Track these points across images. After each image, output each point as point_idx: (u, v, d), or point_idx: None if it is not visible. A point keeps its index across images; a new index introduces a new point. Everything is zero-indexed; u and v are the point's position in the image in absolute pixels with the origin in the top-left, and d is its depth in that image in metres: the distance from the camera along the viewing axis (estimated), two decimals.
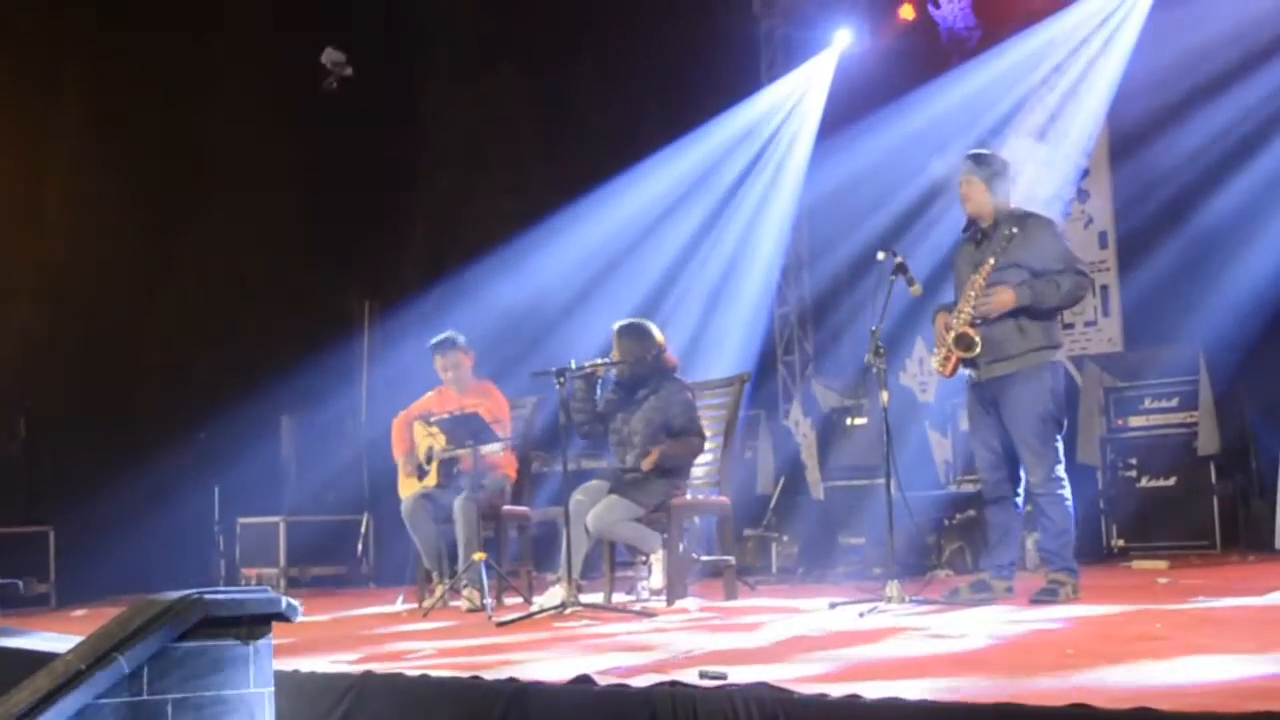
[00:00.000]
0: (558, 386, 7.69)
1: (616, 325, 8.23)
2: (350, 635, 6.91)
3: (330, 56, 12.17)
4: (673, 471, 7.97)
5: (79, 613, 9.81)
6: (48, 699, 3.69)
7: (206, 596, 4.06)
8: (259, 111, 13.02)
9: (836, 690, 3.58)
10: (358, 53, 12.79)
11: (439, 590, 8.39)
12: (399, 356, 12.03)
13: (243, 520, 12.08)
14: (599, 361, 7.96)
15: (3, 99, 11.67)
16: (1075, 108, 11.91)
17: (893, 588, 6.77)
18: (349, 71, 12.22)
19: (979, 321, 6.81)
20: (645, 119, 13.08)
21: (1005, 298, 6.77)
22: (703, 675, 3.98)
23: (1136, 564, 9.62)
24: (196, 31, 12.65)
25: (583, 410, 8.04)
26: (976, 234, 7.05)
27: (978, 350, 6.80)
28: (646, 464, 7.83)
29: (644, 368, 8.02)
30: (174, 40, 12.47)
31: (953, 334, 6.87)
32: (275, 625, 4.21)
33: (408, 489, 8.86)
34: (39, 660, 4.33)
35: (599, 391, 8.13)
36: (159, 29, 12.35)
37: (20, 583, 9.49)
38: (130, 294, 12.42)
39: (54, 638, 4.91)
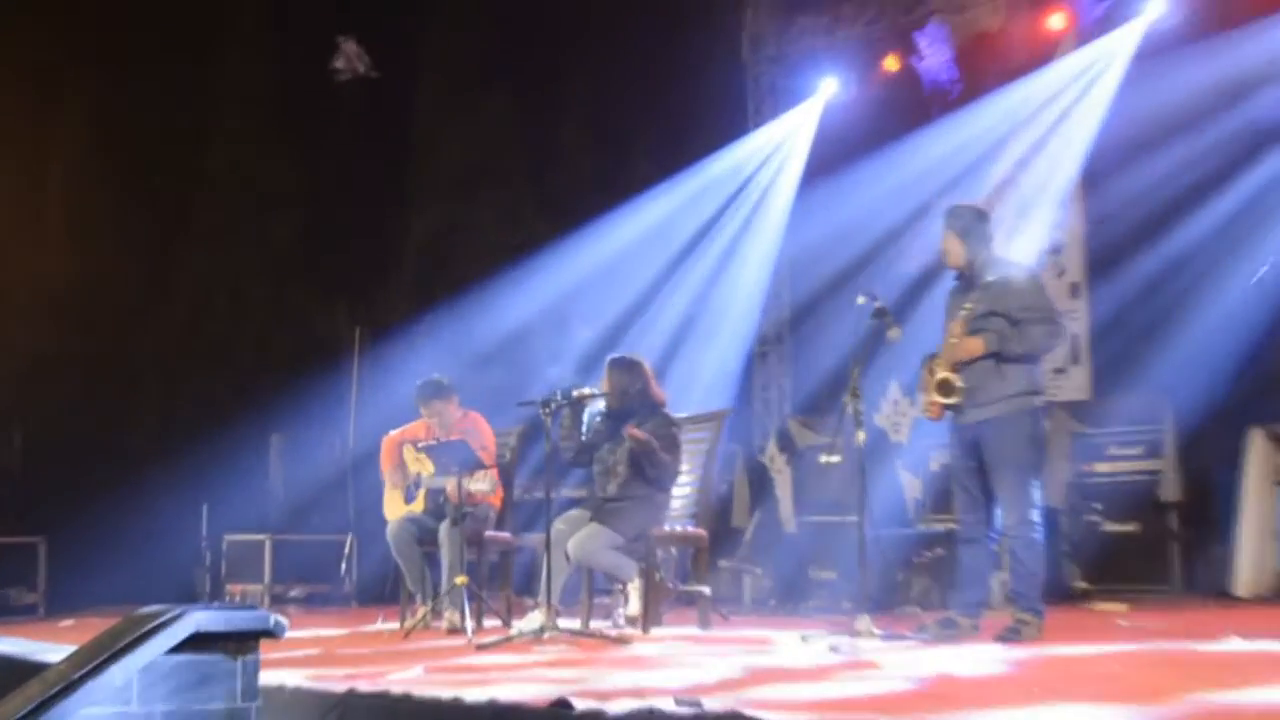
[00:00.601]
0: (543, 416, 7.72)
1: (609, 358, 8.29)
2: (334, 653, 6.90)
3: (348, 48, 12.14)
4: (652, 500, 8.00)
5: (67, 623, 9.78)
6: (40, 707, 3.68)
7: (197, 612, 4.05)
8: (258, 137, 13.09)
9: None
10: (354, 86, 12.86)
11: (421, 612, 8.39)
12: (388, 381, 12.06)
13: (229, 537, 12.03)
14: (585, 391, 8.00)
15: (8, 120, 11.67)
16: (1052, 162, 12.01)
17: (863, 622, 6.78)
18: (365, 65, 12.18)
19: (960, 368, 6.86)
20: (634, 158, 13.14)
21: (974, 345, 6.82)
22: (678, 702, 3.98)
23: (1097, 606, 9.64)
24: (198, 55, 12.69)
25: (569, 438, 8.09)
26: (962, 283, 7.09)
27: (957, 396, 6.84)
28: (632, 431, 7.87)
29: (631, 400, 8.06)
30: (176, 66, 12.50)
31: (935, 378, 6.92)
32: (262, 641, 4.20)
33: (394, 511, 8.86)
34: (31, 670, 4.32)
35: (585, 421, 8.16)
36: (161, 55, 12.37)
37: (10, 593, 9.50)
38: (127, 312, 12.45)
39: (46, 647, 4.89)
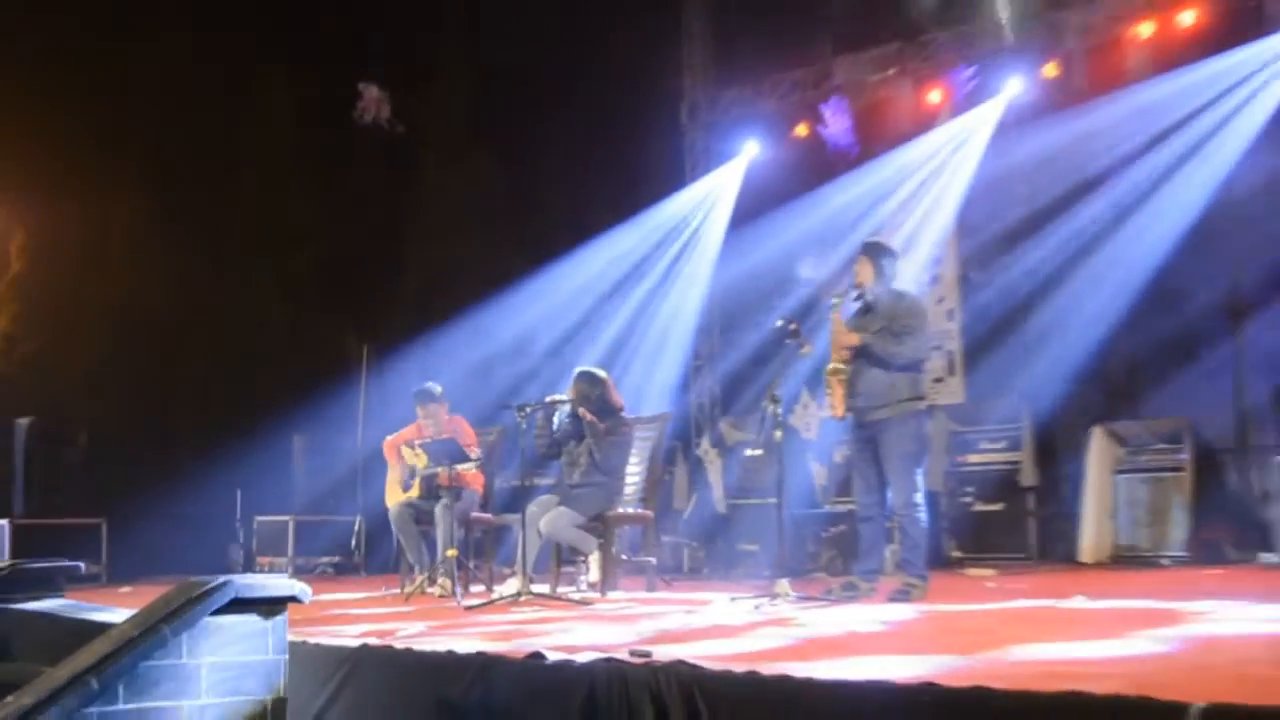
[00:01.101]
0: (518, 418, 7.73)
1: (576, 370, 8.31)
2: (348, 615, 6.86)
3: (369, 93, 12.00)
4: (608, 487, 8.01)
5: (125, 590, 9.68)
6: (106, 659, 3.66)
7: (237, 581, 4.04)
8: (282, 185, 13.01)
9: (738, 667, 3.61)
10: (364, 140, 12.83)
11: (419, 580, 8.35)
12: (391, 391, 12.02)
13: (259, 518, 11.98)
14: (556, 397, 8.02)
15: (77, 171, 11.56)
16: (932, 210, 12.08)
17: (782, 585, 6.79)
18: (386, 111, 12.04)
19: (849, 364, 6.88)
20: (596, 205, 13.12)
21: (850, 338, 6.87)
22: (632, 654, 3.99)
23: (970, 571, 9.70)
24: (230, 115, 12.61)
25: (542, 435, 8.10)
26: (863, 306, 7.12)
27: (841, 377, 6.85)
28: (583, 412, 7.95)
29: (592, 405, 8.06)
30: (215, 123, 12.42)
31: (827, 369, 6.96)
32: (290, 605, 4.18)
33: (394, 498, 8.82)
34: (98, 628, 4.28)
35: (556, 421, 8.15)
36: (203, 112, 12.29)
37: (81, 565, 9.38)
38: (174, 331, 12.36)
39: (109, 609, 4.84)
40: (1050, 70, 11.47)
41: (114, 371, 12.00)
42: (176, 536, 11.03)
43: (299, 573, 11.19)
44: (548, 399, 7.97)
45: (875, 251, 7.11)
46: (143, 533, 11.02)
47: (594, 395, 8.09)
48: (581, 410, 7.97)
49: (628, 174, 13.47)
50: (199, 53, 12.10)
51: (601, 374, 8.28)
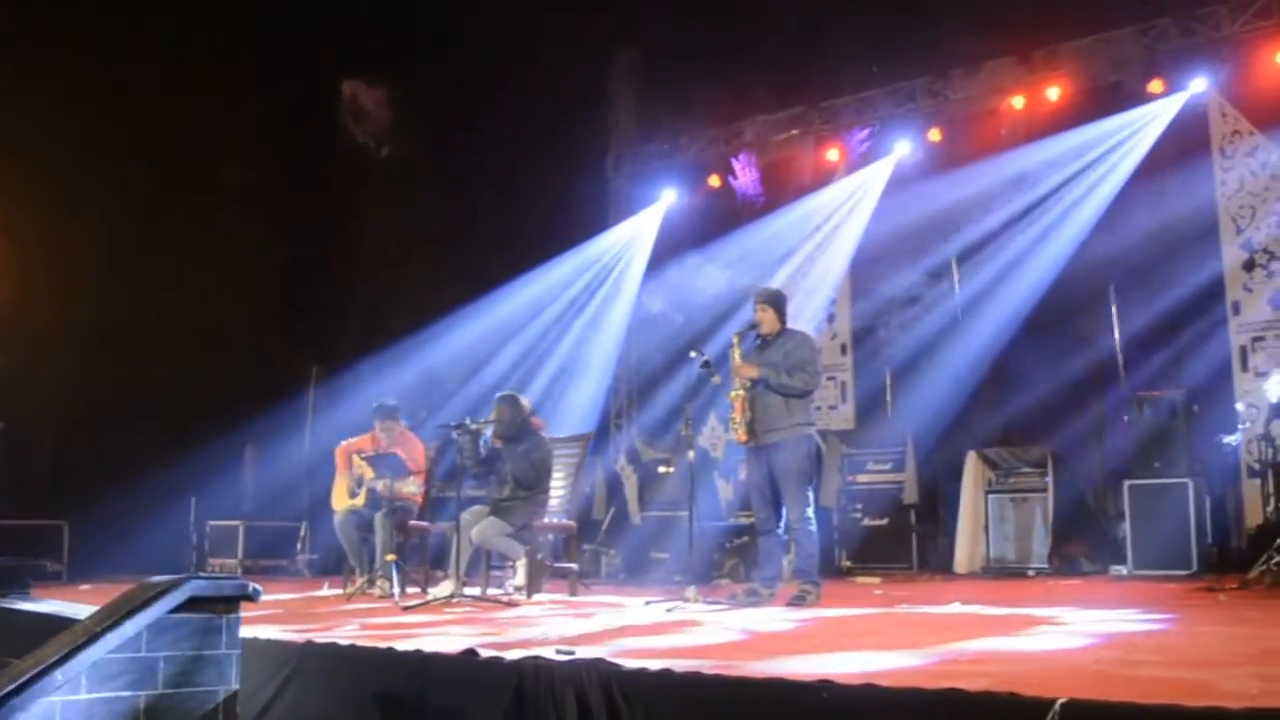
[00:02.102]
0: (455, 436, 7.68)
1: (497, 395, 8.26)
2: (295, 613, 6.75)
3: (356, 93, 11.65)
4: (534, 500, 7.97)
5: (84, 587, 9.43)
6: (71, 652, 3.57)
7: (193, 581, 3.96)
8: (242, 217, 12.82)
9: (653, 665, 3.62)
10: (313, 175, 12.69)
11: (359, 582, 8.25)
12: (336, 407, 11.90)
13: (211, 522, 11.72)
14: (482, 421, 7.96)
15: (44, 195, 11.30)
16: (829, 256, 12.23)
17: (691, 591, 6.80)
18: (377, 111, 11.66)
19: (749, 390, 6.93)
20: (527, 244, 13.11)
21: (749, 370, 6.93)
22: (557, 651, 3.97)
23: (859, 579, 9.78)
24: (194, 144, 12.38)
25: (469, 457, 7.99)
26: (762, 342, 7.17)
27: (744, 398, 6.90)
28: (497, 441, 7.96)
29: (514, 428, 8.02)
30: (179, 150, 12.20)
31: (730, 395, 7.01)
32: (243, 604, 4.11)
33: (340, 503, 8.70)
34: (63, 623, 4.18)
35: (482, 443, 8.07)
36: (169, 140, 12.08)
37: (46, 563, 9.16)
38: (137, 348, 12.09)
39: (75, 606, 4.73)
40: (935, 135, 11.70)
41: (79, 383, 11.74)
42: (133, 538, 10.76)
43: (247, 573, 10.98)
44: (470, 424, 7.87)
45: (771, 298, 7.19)
46: (102, 534, 10.78)
47: (513, 418, 8.04)
48: (496, 440, 7.93)
49: (557, 216, 13.50)
50: (166, 82, 11.86)
51: (520, 398, 8.24)
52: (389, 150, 11.45)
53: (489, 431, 8.05)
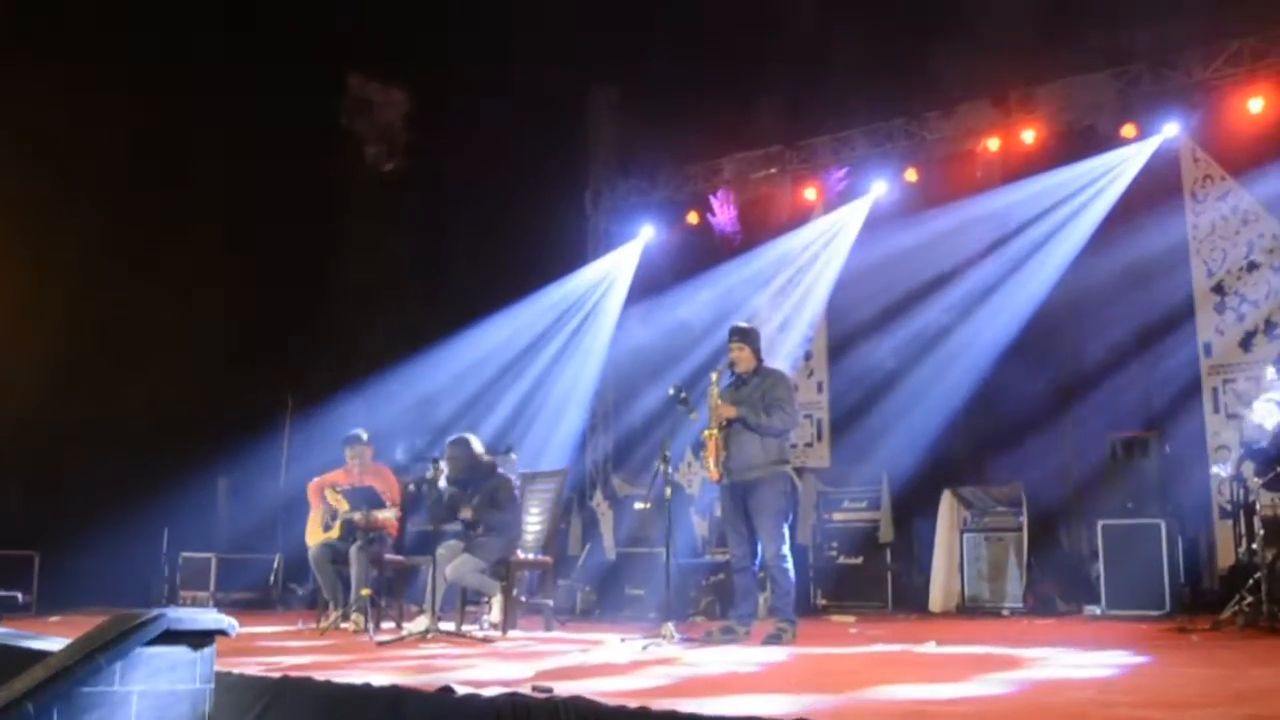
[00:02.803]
0: (434, 471, 7.64)
1: (447, 440, 8.19)
2: (268, 647, 6.69)
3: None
4: (507, 535, 7.94)
5: (54, 619, 9.34)
6: (43, 685, 3.54)
7: (169, 614, 3.93)
8: (219, 256, 12.78)
9: (631, 703, 3.60)
10: (290, 217, 12.67)
11: (333, 616, 8.19)
12: (311, 441, 11.84)
13: (184, 554, 11.65)
14: (437, 470, 7.78)
15: (20, 233, 11.26)
16: (806, 294, 12.29)
17: (667, 628, 6.79)
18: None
19: (724, 429, 6.95)
20: (504, 280, 13.11)
21: (728, 410, 6.95)
22: (534, 689, 3.96)
23: (834, 617, 9.77)
24: (165, 186, 12.37)
25: (436, 507, 7.88)
26: (738, 380, 7.21)
27: (719, 438, 6.92)
28: (465, 513, 7.86)
29: (468, 470, 7.97)
30: (154, 187, 12.19)
31: (704, 434, 7.03)
32: (217, 638, 4.08)
33: (315, 537, 8.65)
34: (35, 656, 4.14)
35: (444, 489, 7.94)
36: (142, 182, 12.06)
37: (19, 595, 9.07)
38: (111, 378, 12.01)
39: (46, 639, 4.67)
40: (911, 175, 11.81)
41: (51, 412, 11.65)
42: (104, 570, 10.67)
43: (219, 606, 10.88)
44: (428, 475, 7.76)
45: (747, 336, 7.23)
46: (73, 565, 10.67)
47: (467, 461, 7.98)
48: (468, 514, 7.88)
49: (534, 252, 13.53)
50: (139, 114, 11.83)
51: (472, 439, 8.14)
52: (393, 163, 11.38)
53: (442, 480, 7.92)
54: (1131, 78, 10.65)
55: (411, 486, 8.92)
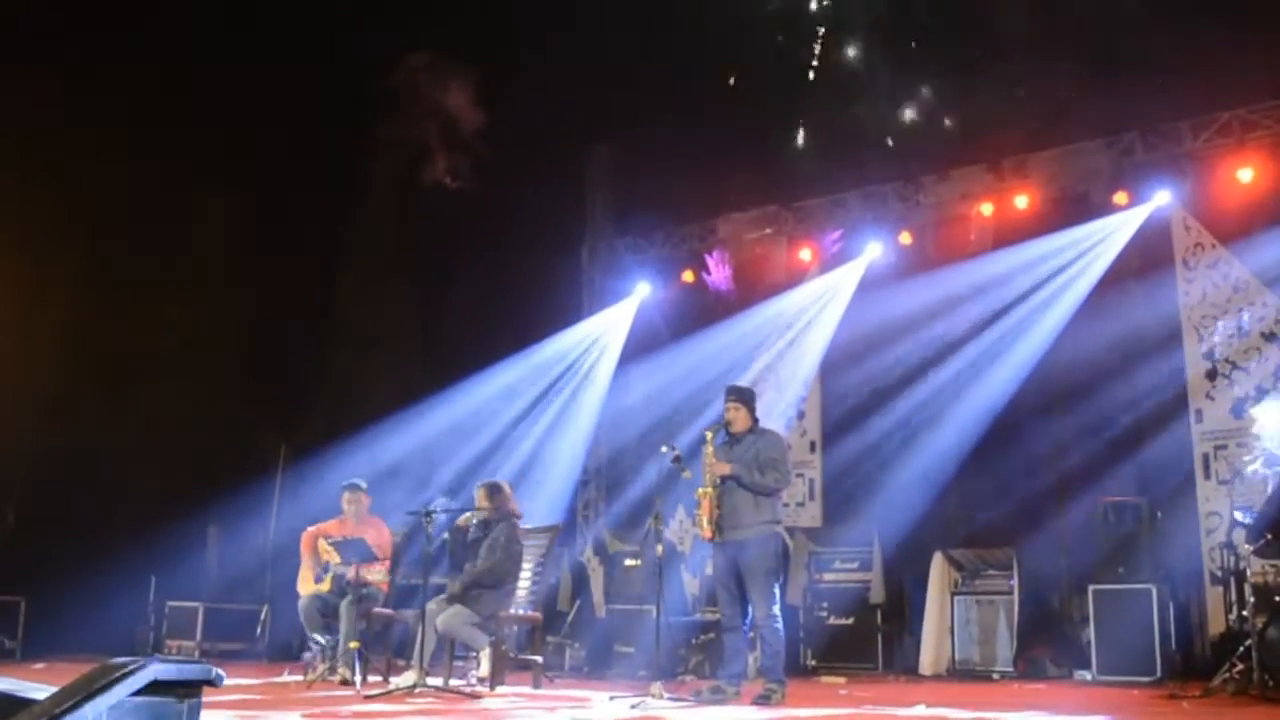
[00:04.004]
0: (425, 524, 7.61)
1: (481, 482, 8.22)
2: (255, 699, 6.64)
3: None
4: (499, 591, 7.90)
5: (39, 666, 9.25)
6: None
7: (156, 664, 3.89)
8: (211, 292, 12.82)
9: None
10: (285, 252, 12.71)
11: (321, 668, 8.11)
12: (304, 489, 11.79)
13: (171, 603, 11.57)
14: (466, 516, 7.90)
15: (13, 268, 11.28)
16: (800, 355, 12.33)
17: (656, 687, 6.74)
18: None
19: (718, 487, 6.95)
20: (499, 333, 13.14)
21: (722, 467, 6.95)
22: None
23: (824, 679, 9.70)
24: (164, 221, 12.40)
25: (457, 549, 7.93)
26: (732, 439, 7.21)
27: (713, 496, 6.91)
28: (452, 588, 7.79)
29: (493, 514, 7.99)
30: (150, 226, 12.23)
31: (698, 492, 7.02)
32: (205, 689, 4.04)
33: (306, 588, 8.59)
34: (19, 704, 4.09)
35: (471, 533, 7.98)
36: (136, 222, 12.11)
37: (4, 640, 8.99)
38: (99, 424, 11.99)
39: (31, 686, 4.62)
40: (905, 238, 11.90)
41: (39, 457, 11.62)
42: (90, 617, 10.58)
43: (205, 656, 10.80)
44: (460, 520, 7.82)
45: (743, 396, 7.26)
46: (59, 612, 10.60)
47: (495, 504, 8.02)
48: (455, 589, 7.85)
49: (529, 306, 13.57)
50: (134, 151, 11.88)
51: (503, 484, 8.23)
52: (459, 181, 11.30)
53: (474, 521, 7.98)
54: (1124, 146, 10.78)
55: (399, 538, 8.91)
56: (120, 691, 3.80)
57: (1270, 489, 7.92)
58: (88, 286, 11.97)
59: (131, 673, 3.83)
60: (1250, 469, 8.99)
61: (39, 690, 4.32)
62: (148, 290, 12.39)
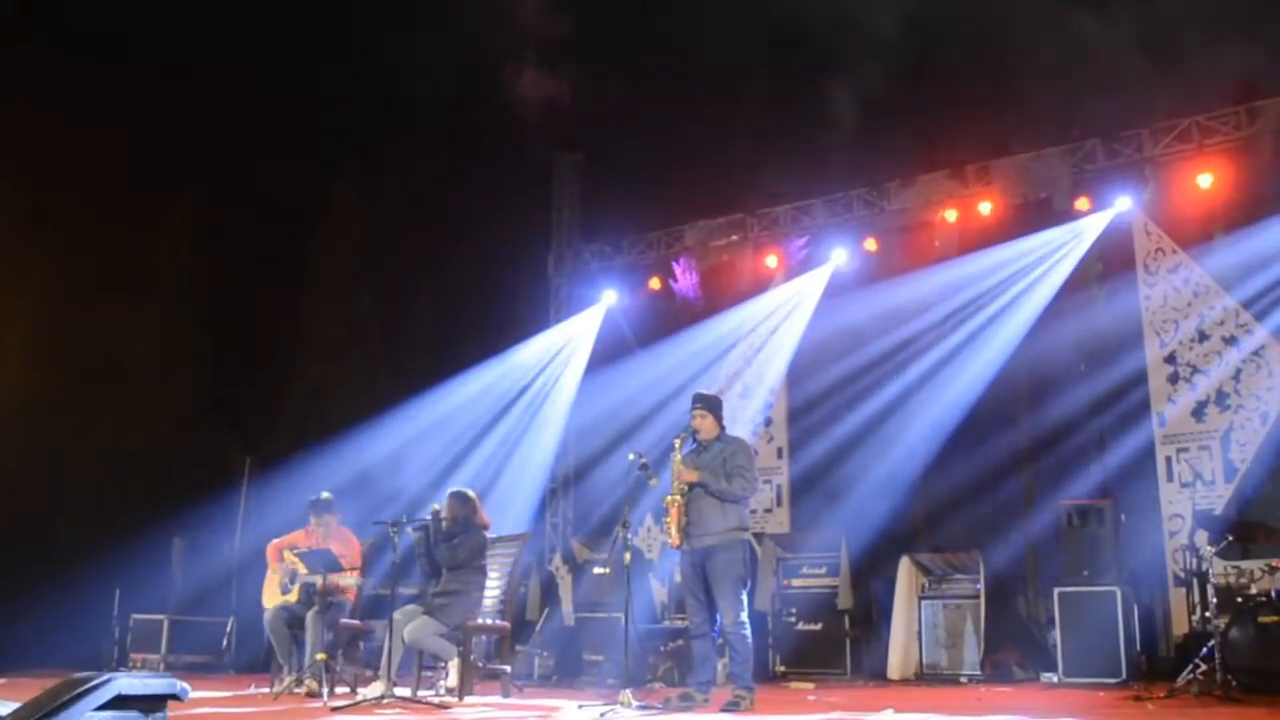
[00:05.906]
0: (391, 532, 7.59)
1: (449, 490, 8.20)
2: (221, 713, 6.58)
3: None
4: (467, 601, 7.87)
5: (1, 681, 9.12)
6: None
7: (120, 678, 3.86)
8: (176, 306, 12.75)
9: None
10: (257, 277, 12.65)
11: (287, 680, 8.06)
12: (269, 502, 11.73)
13: (135, 616, 11.46)
14: (427, 518, 7.90)
15: None
16: (767, 361, 12.37)
17: (625, 695, 6.73)
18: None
19: (685, 494, 6.96)
20: (465, 342, 13.13)
21: (690, 474, 6.96)
22: None
23: (793, 684, 9.72)
24: (133, 237, 12.30)
25: (423, 555, 7.92)
26: (699, 447, 7.22)
27: (681, 503, 6.93)
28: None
29: (459, 523, 7.97)
30: (118, 242, 12.14)
31: (666, 500, 7.03)
32: (170, 703, 4.01)
33: (271, 600, 8.54)
34: None
35: (433, 539, 7.97)
36: (102, 238, 12.02)
37: None
38: (65, 436, 11.93)
39: None
40: (871, 244, 11.97)
41: (3, 471, 11.50)
42: (54, 631, 10.50)
43: (170, 669, 10.70)
44: (422, 519, 7.80)
45: (710, 404, 7.26)
46: (22, 626, 10.47)
47: (460, 513, 8.00)
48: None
49: (495, 314, 13.58)
50: (99, 170, 11.81)
51: (470, 493, 8.20)
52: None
53: (444, 521, 7.96)
54: (1085, 153, 10.89)
55: (366, 549, 8.87)
56: (84, 707, 3.78)
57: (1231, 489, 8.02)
58: (52, 299, 11.86)
59: (96, 687, 3.81)
60: None
61: (1, 706, 4.30)
62: (111, 303, 12.31)
